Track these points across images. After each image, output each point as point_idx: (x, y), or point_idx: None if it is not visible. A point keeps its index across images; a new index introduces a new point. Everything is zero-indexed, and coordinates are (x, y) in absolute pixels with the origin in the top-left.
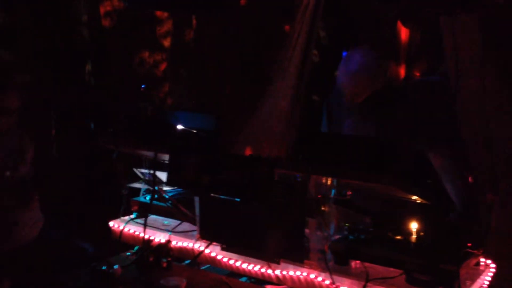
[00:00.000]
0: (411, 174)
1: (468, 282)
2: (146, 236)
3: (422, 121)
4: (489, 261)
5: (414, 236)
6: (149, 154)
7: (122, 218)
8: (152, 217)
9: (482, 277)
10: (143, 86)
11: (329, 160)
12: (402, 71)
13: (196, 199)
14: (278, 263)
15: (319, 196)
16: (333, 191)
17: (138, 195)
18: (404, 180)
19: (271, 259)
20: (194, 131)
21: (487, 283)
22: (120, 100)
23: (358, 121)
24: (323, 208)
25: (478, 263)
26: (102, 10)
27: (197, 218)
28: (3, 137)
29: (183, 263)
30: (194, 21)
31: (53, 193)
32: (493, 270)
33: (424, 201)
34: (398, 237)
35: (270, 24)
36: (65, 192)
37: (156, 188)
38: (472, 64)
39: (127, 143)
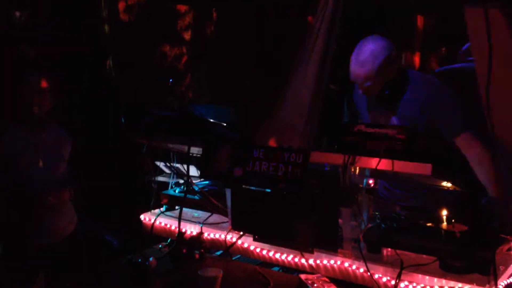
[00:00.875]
0: (448, 162)
1: (501, 267)
2: (179, 229)
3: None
4: None
5: (446, 223)
6: (180, 147)
7: (152, 211)
8: (183, 210)
9: None
10: (171, 80)
11: (364, 150)
12: (417, 60)
13: (228, 190)
14: (312, 252)
15: (351, 185)
16: (365, 181)
17: (165, 189)
18: (442, 168)
19: (305, 248)
20: (224, 124)
21: None
22: (146, 95)
23: (380, 114)
24: (356, 198)
25: (510, 249)
26: (122, 4)
27: (229, 210)
28: (43, 135)
29: (214, 254)
30: (214, 14)
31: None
32: None
33: (456, 188)
34: (429, 224)
35: (291, 15)
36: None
37: (186, 180)
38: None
39: (159, 137)
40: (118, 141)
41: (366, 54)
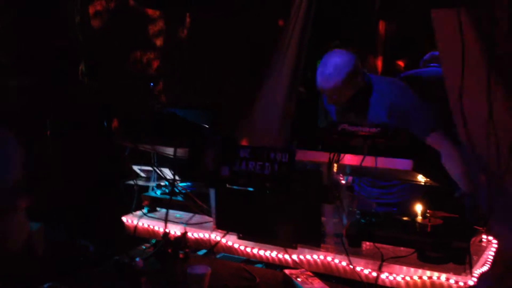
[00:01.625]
0: (427, 158)
1: (475, 257)
2: (162, 229)
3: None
4: (490, 238)
5: (421, 217)
6: (162, 150)
7: (134, 213)
8: (163, 211)
9: (486, 252)
10: (151, 84)
11: (347, 148)
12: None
13: (212, 190)
14: (295, 248)
15: (333, 183)
16: (345, 178)
17: (141, 192)
18: (421, 164)
19: (288, 244)
20: (206, 126)
21: (491, 258)
22: (120, 98)
23: (350, 118)
24: (338, 195)
25: (481, 240)
26: (92, 10)
27: (213, 209)
28: None
29: (198, 253)
30: (187, 19)
31: (52, 196)
32: (495, 246)
33: (432, 183)
34: (405, 218)
35: (264, 21)
36: (66, 193)
37: (166, 183)
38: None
39: (145, 140)
40: (98, 144)
41: (331, 70)
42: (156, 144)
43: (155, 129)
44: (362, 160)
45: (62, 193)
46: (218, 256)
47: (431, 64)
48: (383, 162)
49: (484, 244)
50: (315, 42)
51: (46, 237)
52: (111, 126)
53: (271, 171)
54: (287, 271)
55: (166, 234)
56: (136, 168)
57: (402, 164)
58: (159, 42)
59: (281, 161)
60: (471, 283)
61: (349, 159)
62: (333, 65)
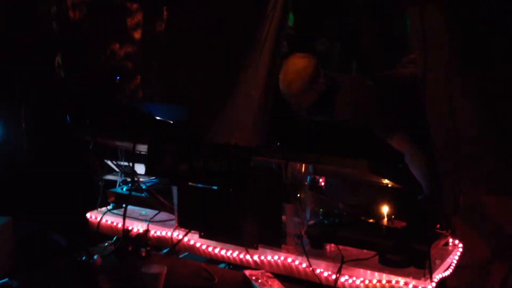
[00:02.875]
0: (383, 159)
1: (437, 261)
2: (123, 226)
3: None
4: (456, 241)
5: (386, 219)
6: (126, 145)
7: (99, 209)
8: (130, 208)
9: (451, 256)
10: (118, 77)
11: (305, 146)
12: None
13: (174, 188)
14: (256, 248)
15: (294, 182)
16: (308, 178)
17: (112, 187)
18: (377, 164)
19: (249, 245)
20: (171, 122)
21: (456, 262)
22: (93, 92)
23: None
24: (299, 194)
25: (447, 243)
26: (69, 1)
27: (175, 207)
28: None
29: (162, 252)
30: (165, 13)
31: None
32: (461, 249)
33: (395, 185)
34: (371, 220)
35: (241, 14)
36: (37, 186)
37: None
38: (439, 52)
39: (105, 134)
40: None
41: (292, 75)
42: (115, 138)
43: (115, 124)
44: (316, 159)
45: (32, 185)
46: (182, 255)
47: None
48: (338, 162)
49: (450, 248)
50: (300, 37)
51: (16, 231)
52: (74, 120)
53: (228, 169)
54: (247, 272)
55: (125, 231)
56: (109, 162)
57: (357, 164)
58: (137, 35)
59: (240, 159)
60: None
61: (306, 157)
62: (295, 71)
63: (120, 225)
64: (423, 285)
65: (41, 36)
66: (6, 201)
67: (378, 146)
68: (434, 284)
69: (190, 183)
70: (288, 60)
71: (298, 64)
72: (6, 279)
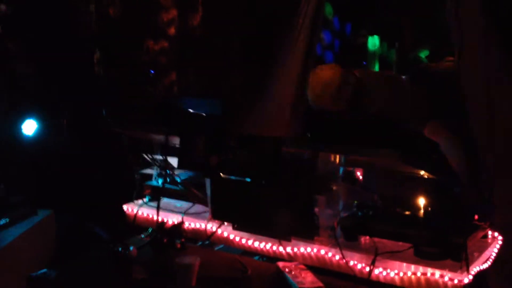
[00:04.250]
0: (417, 150)
1: (475, 254)
2: (160, 219)
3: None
4: (496, 234)
5: (421, 210)
6: (160, 138)
7: (135, 201)
8: (165, 200)
9: (489, 249)
10: (152, 71)
11: (337, 137)
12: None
13: (207, 180)
14: (289, 240)
15: (326, 174)
16: (341, 169)
17: (150, 180)
18: (409, 155)
19: (282, 237)
20: (203, 114)
21: (495, 255)
22: (128, 87)
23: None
24: (331, 186)
25: (485, 236)
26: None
27: (209, 199)
28: None
29: (197, 244)
30: (200, 7)
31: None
32: (500, 242)
33: (430, 176)
34: (406, 212)
35: (276, 6)
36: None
37: (168, 171)
38: (476, 37)
39: (139, 128)
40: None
41: (319, 89)
42: (148, 131)
43: (149, 117)
44: (348, 151)
45: (73, 179)
46: (217, 248)
47: (450, 59)
48: (370, 153)
49: (489, 241)
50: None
51: (57, 223)
52: (109, 114)
53: (257, 160)
54: (280, 264)
55: (160, 224)
56: (146, 156)
57: (388, 154)
58: (172, 30)
59: (269, 150)
60: (466, 281)
61: (338, 149)
62: (321, 84)
63: (155, 217)
64: (459, 278)
65: (80, 34)
66: (48, 194)
67: (412, 137)
68: (471, 277)
69: (222, 175)
70: (314, 73)
71: (324, 77)
72: (45, 270)
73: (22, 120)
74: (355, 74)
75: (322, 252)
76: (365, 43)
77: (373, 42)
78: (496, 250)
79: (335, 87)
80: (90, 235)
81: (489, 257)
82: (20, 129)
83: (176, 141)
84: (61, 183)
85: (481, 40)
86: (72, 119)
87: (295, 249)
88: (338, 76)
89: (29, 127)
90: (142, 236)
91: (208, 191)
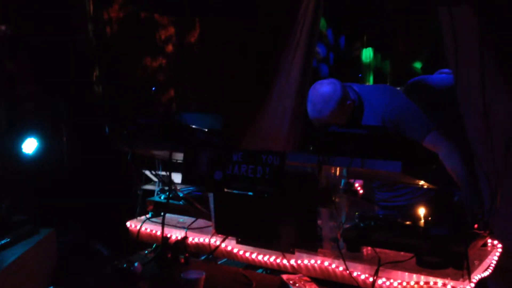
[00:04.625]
0: (418, 161)
1: (476, 262)
2: (162, 234)
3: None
4: (495, 242)
5: (422, 220)
6: (163, 154)
7: (138, 218)
8: (168, 216)
9: (489, 257)
10: (153, 88)
11: (338, 150)
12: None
13: (210, 195)
14: (293, 252)
15: (329, 186)
16: (342, 181)
17: (151, 196)
18: (410, 165)
19: (286, 249)
20: (205, 129)
21: (495, 262)
22: (129, 104)
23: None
24: (334, 198)
25: (485, 244)
26: (106, 16)
27: (212, 214)
28: None
29: (200, 258)
30: (197, 25)
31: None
32: (500, 250)
33: (430, 186)
34: (407, 223)
35: (273, 22)
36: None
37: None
38: (471, 52)
39: (142, 144)
40: (104, 151)
41: (320, 105)
42: (152, 148)
43: (151, 133)
44: (350, 163)
45: (73, 198)
46: (220, 261)
47: (444, 71)
48: (372, 164)
49: (488, 249)
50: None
51: (59, 241)
52: (112, 132)
53: (262, 174)
54: (284, 276)
55: (165, 239)
56: (147, 172)
57: (390, 165)
58: (169, 48)
59: (273, 164)
60: None
61: (340, 161)
62: (321, 98)
63: (159, 233)
64: (461, 286)
65: (79, 52)
66: (49, 213)
67: (411, 148)
68: (473, 285)
69: (226, 190)
70: (313, 89)
71: (324, 93)
72: (51, 287)
73: (22, 138)
74: (354, 89)
75: (326, 263)
76: (359, 56)
77: (367, 54)
78: (496, 258)
79: (336, 102)
80: (92, 252)
81: (490, 265)
82: (21, 147)
83: (178, 156)
84: (63, 201)
85: (475, 45)
86: (73, 137)
87: (299, 261)
88: (339, 90)
89: (30, 145)
90: (146, 252)
91: (212, 206)
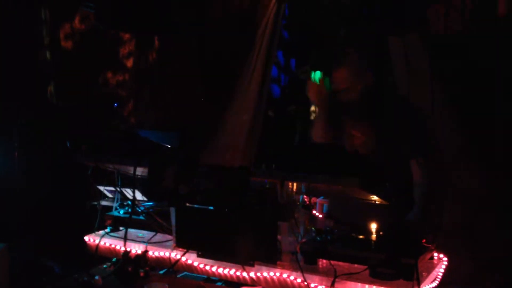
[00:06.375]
0: (372, 178)
1: (424, 274)
2: (123, 248)
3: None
4: (441, 255)
5: (374, 235)
6: (125, 169)
7: (96, 232)
8: (128, 230)
9: (436, 269)
10: (115, 104)
11: (299, 167)
12: None
13: (172, 209)
14: (253, 265)
15: (288, 201)
16: (301, 197)
17: (110, 211)
18: (366, 182)
19: (246, 262)
20: (169, 146)
21: (441, 274)
22: (89, 119)
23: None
24: (293, 213)
25: (432, 257)
26: (63, 32)
27: (173, 228)
28: None
29: (160, 272)
30: (156, 42)
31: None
32: (445, 263)
33: (382, 202)
34: (361, 236)
35: (231, 43)
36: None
37: (130, 202)
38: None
39: (106, 159)
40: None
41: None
42: (116, 163)
43: (116, 148)
44: (310, 180)
45: (25, 212)
46: (180, 275)
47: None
48: (329, 180)
49: (435, 262)
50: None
51: (11, 257)
52: (74, 146)
53: (225, 190)
54: None
55: (125, 253)
56: (101, 188)
57: (348, 181)
58: (129, 63)
59: (237, 180)
60: None
61: (301, 178)
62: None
63: (118, 247)
64: None
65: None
66: (2, 228)
67: (367, 166)
68: None
69: (187, 204)
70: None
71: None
72: None
73: None
74: None
75: (285, 275)
76: (308, 78)
77: (316, 77)
78: (442, 270)
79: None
80: (44, 269)
81: (436, 277)
82: None
83: (140, 171)
84: (16, 216)
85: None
86: (25, 152)
87: (258, 274)
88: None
89: None
90: (105, 266)
91: (173, 220)
